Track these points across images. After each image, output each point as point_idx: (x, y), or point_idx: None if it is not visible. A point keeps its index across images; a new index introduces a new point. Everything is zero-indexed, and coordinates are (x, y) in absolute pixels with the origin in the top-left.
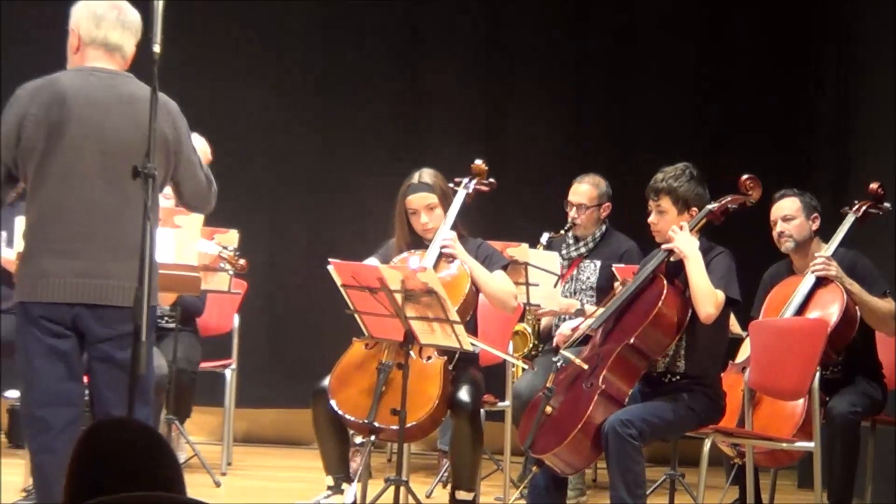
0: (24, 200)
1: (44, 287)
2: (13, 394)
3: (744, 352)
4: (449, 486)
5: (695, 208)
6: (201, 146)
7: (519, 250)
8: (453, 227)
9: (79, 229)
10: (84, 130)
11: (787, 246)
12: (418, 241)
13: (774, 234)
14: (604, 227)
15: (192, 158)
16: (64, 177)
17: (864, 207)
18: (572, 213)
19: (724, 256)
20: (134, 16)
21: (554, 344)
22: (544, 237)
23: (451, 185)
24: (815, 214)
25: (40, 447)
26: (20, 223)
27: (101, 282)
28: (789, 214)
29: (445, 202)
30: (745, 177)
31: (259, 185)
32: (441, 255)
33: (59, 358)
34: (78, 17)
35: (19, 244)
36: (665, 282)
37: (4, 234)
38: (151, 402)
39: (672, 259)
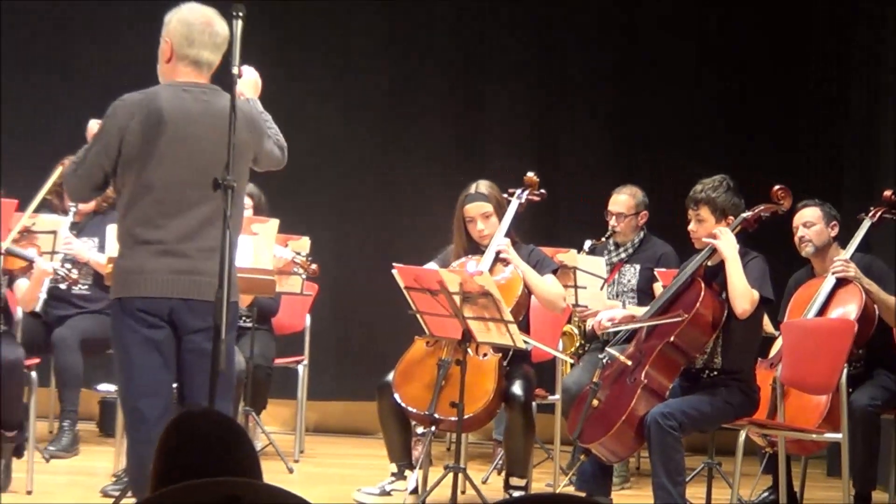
0: (115, 209)
1: (143, 282)
2: (105, 387)
3: (774, 349)
4: (503, 473)
5: (731, 217)
6: (254, 78)
7: (568, 256)
8: (507, 234)
9: (176, 233)
10: (180, 144)
11: (807, 250)
12: (475, 247)
13: (796, 238)
14: (642, 234)
15: (267, 144)
16: (162, 186)
17: (879, 213)
18: (612, 221)
19: (758, 260)
20: (223, 30)
21: (589, 328)
22: (587, 244)
23: (505, 195)
24: (834, 222)
25: (138, 438)
26: (111, 231)
27: (195, 278)
28: (810, 221)
29: (500, 211)
30: (776, 187)
31: (328, 195)
32: (496, 260)
33: (154, 347)
34: (172, 32)
35: (111, 250)
36: (703, 285)
37: (96, 240)
38: (233, 395)
39: (711, 263)
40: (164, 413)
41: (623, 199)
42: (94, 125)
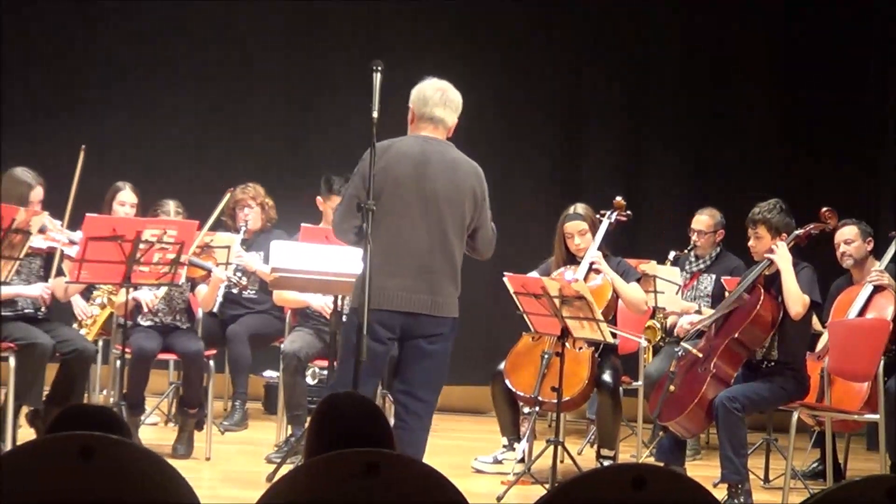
0: (278, 228)
1: (382, 298)
2: (269, 373)
3: (821, 343)
4: (595, 446)
5: (784, 234)
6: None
7: (649, 266)
8: (599, 248)
9: (410, 257)
10: (417, 183)
11: (847, 262)
12: (572, 259)
13: (838, 253)
14: (718, 249)
15: (487, 214)
16: (399, 216)
17: None
18: (694, 237)
19: (808, 270)
20: (455, 96)
21: (675, 333)
22: (671, 254)
23: (598, 215)
24: (870, 238)
25: None
26: (275, 246)
27: (422, 296)
28: (849, 238)
29: (593, 228)
30: (824, 209)
31: None
32: (589, 270)
33: (369, 358)
34: (413, 97)
35: (274, 261)
36: (762, 290)
37: (262, 253)
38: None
39: (768, 272)
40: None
41: (704, 219)
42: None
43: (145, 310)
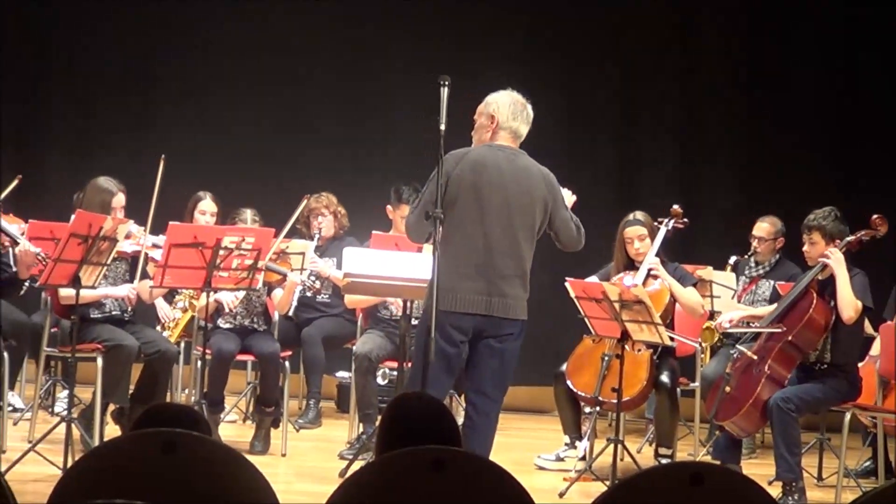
0: (350, 236)
1: (454, 301)
2: (341, 374)
3: (875, 347)
4: (654, 445)
5: (838, 240)
6: (569, 196)
7: (705, 271)
8: (657, 254)
9: (482, 260)
10: (491, 189)
11: None
12: (631, 264)
13: None
14: (778, 256)
15: (564, 215)
16: (474, 222)
17: None
18: (755, 243)
19: (861, 276)
20: (531, 112)
21: (716, 328)
22: (732, 259)
23: (656, 223)
24: None
25: None
26: (347, 252)
27: (493, 298)
28: None
29: (652, 235)
30: (875, 216)
31: None
32: (648, 275)
33: (443, 359)
34: (499, 105)
35: (347, 267)
36: (815, 295)
37: (335, 259)
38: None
39: (822, 277)
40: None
41: (765, 226)
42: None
43: (226, 310)
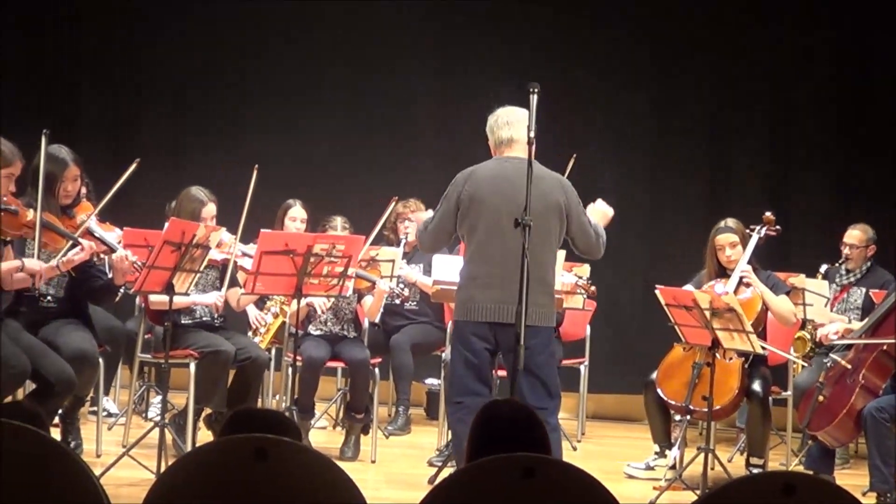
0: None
1: (473, 311)
2: (430, 381)
3: None
4: (745, 454)
5: None
6: (605, 210)
7: (798, 279)
8: (749, 262)
9: (498, 270)
10: (502, 200)
11: None
12: (722, 272)
13: None
14: (869, 263)
15: (582, 219)
16: (488, 232)
17: None
18: (846, 250)
19: None
20: (513, 113)
21: (818, 340)
22: (822, 267)
23: (748, 230)
24: None
25: (455, 419)
26: (436, 260)
27: (511, 306)
28: None
29: (744, 242)
30: None
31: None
32: (739, 283)
33: (471, 367)
34: (489, 128)
35: (436, 274)
36: None
37: (422, 266)
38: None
39: None
40: (478, 406)
41: (856, 234)
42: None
43: (319, 312)
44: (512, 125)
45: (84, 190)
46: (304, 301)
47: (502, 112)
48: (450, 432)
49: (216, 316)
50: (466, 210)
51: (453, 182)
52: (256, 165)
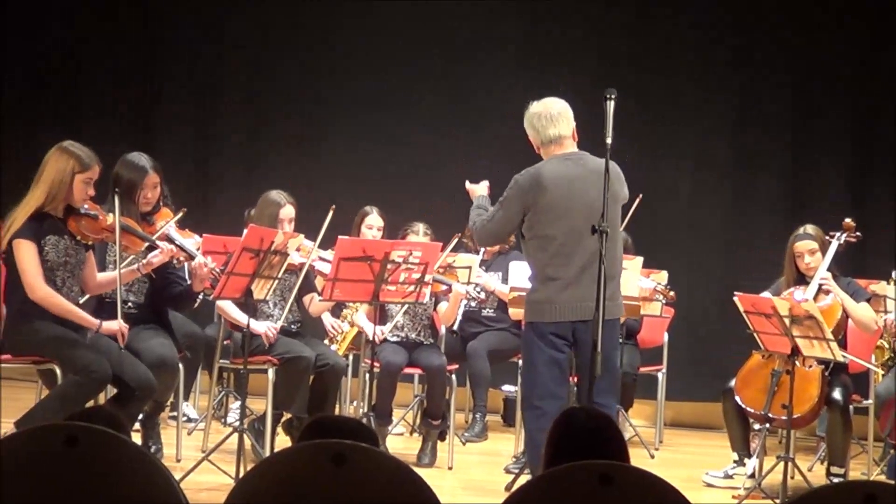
0: (516, 251)
1: (554, 311)
2: (507, 388)
3: None
4: (825, 463)
5: None
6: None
7: (879, 286)
8: (828, 269)
9: (576, 271)
10: (571, 199)
11: None
12: (801, 279)
13: None
14: None
15: (624, 191)
16: (566, 237)
17: None
18: None
19: None
20: (556, 106)
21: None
22: (894, 274)
23: (828, 236)
24: None
25: (536, 426)
26: (513, 266)
27: (590, 304)
28: None
29: (823, 249)
30: None
31: (682, 238)
32: (819, 290)
33: (556, 366)
34: (528, 128)
35: (513, 281)
36: None
37: (500, 273)
38: (617, 395)
39: None
40: (558, 411)
41: None
42: (472, 187)
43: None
44: (557, 122)
45: (163, 197)
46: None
47: (542, 109)
48: (524, 437)
49: (292, 322)
50: (539, 216)
51: (518, 186)
52: (333, 206)
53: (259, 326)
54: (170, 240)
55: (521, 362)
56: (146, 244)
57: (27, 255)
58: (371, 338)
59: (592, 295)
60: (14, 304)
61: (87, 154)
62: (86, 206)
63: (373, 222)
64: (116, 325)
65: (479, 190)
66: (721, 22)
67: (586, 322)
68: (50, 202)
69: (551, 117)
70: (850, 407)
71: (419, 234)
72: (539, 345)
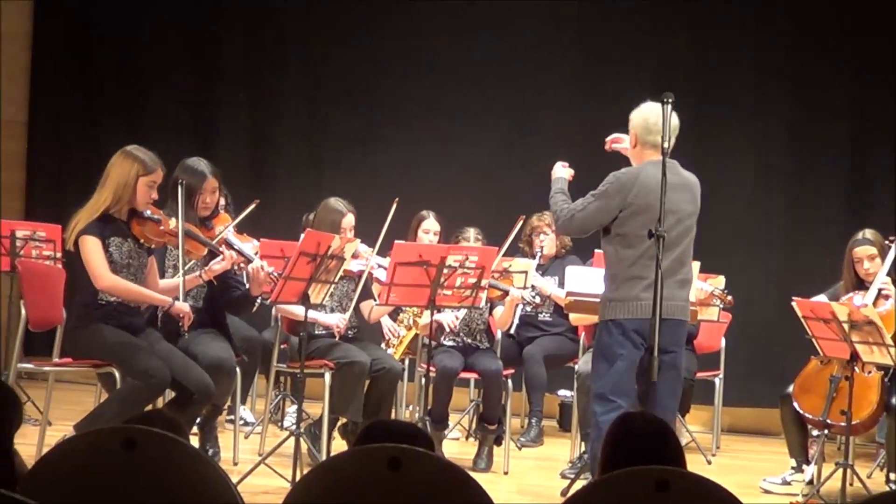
0: (570, 255)
1: (640, 308)
2: (563, 392)
3: None
4: (885, 470)
5: None
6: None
7: None
8: (888, 274)
9: (662, 272)
10: (671, 209)
11: None
12: (860, 284)
13: None
14: None
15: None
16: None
17: None
18: None
19: None
20: (657, 116)
21: None
22: None
23: (887, 241)
24: None
25: (607, 419)
26: (570, 271)
27: (672, 303)
28: None
29: (882, 254)
30: None
31: (740, 243)
32: (879, 295)
33: (633, 363)
34: (637, 123)
35: (570, 286)
36: None
37: (557, 278)
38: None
39: None
40: (629, 408)
41: None
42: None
43: (447, 330)
44: (652, 130)
45: (223, 202)
46: (433, 317)
47: (652, 113)
48: (584, 444)
49: (349, 328)
50: (635, 214)
51: (617, 182)
52: (397, 199)
53: (329, 318)
54: (229, 244)
55: (577, 367)
56: (207, 249)
57: (93, 249)
58: (444, 326)
59: (674, 296)
60: (75, 308)
61: (151, 158)
62: (149, 210)
63: (429, 227)
64: (187, 306)
65: (561, 173)
66: (780, 21)
67: (666, 321)
68: (114, 205)
69: (657, 125)
70: None
71: (470, 239)
72: (620, 340)
